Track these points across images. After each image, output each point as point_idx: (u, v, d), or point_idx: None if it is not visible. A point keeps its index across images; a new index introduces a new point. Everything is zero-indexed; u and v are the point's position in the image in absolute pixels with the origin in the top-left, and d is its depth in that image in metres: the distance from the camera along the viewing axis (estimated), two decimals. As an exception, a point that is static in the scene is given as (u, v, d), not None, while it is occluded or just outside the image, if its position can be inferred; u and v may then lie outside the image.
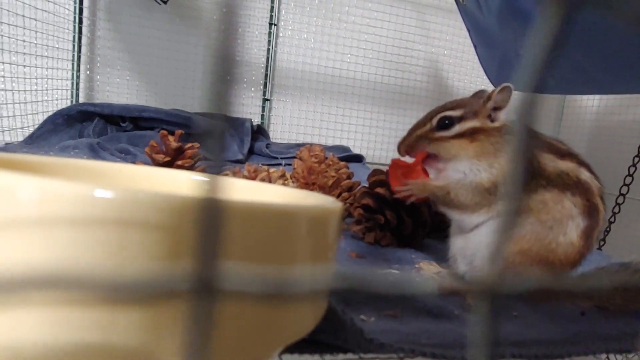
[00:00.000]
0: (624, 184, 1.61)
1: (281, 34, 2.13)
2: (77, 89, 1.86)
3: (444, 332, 0.51)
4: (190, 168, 1.03)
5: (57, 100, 1.79)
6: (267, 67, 2.11)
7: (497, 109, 0.65)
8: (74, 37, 1.82)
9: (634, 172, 1.60)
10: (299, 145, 1.78)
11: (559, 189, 0.61)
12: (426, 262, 0.78)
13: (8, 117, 1.61)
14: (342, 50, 2.22)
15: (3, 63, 1.62)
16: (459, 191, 0.63)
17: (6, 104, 1.61)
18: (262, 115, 2.14)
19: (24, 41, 1.67)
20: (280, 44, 2.14)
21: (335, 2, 2.18)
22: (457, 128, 0.65)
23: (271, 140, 2.02)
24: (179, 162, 0.99)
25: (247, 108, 2.12)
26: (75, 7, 1.81)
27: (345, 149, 2.05)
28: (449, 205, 0.66)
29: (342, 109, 2.27)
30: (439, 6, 2.30)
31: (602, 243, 1.72)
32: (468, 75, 2.40)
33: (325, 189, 0.99)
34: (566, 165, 0.63)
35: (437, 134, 0.66)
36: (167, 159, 0.99)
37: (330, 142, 2.22)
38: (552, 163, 0.63)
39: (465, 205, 0.64)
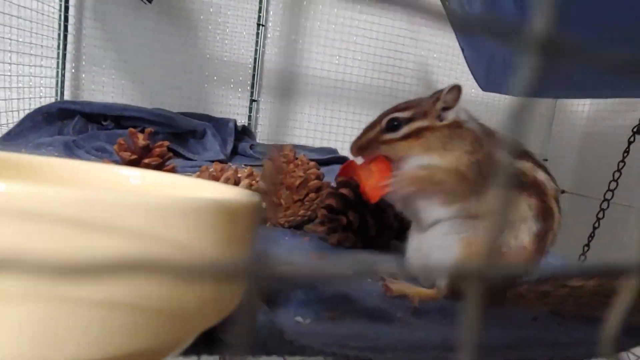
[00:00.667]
0: (609, 189, 1.59)
1: (269, 35, 2.13)
2: (62, 87, 1.86)
3: (379, 335, 0.50)
4: (159, 166, 1.02)
5: (41, 98, 1.79)
6: (254, 67, 2.11)
7: (446, 109, 0.64)
8: (59, 35, 1.82)
9: (619, 177, 1.59)
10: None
11: (515, 190, 0.60)
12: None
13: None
14: (331, 52, 2.22)
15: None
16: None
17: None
18: (249, 116, 2.14)
19: (10, 39, 1.68)
20: (268, 45, 2.14)
21: (324, 4, 2.17)
22: (405, 129, 0.63)
23: (258, 141, 2.01)
24: (146, 160, 0.99)
25: (234, 109, 2.12)
26: (61, 6, 1.82)
27: (332, 150, 2.04)
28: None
29: (331, 111, 2.27)
30: (429, 9, 2.29)
31: (586, 249, 1.70)
32: (458, 79, 2.38)
33: (292, 189, 0.98)
34: (523, 165, 0.61)
35: (385, 136, 0.64)
36: (134, 157, 0.98)
37: (318, 144, 2.21)
38: (507, 161, 0.61)
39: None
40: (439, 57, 2.37)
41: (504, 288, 0.59)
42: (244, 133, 1.93)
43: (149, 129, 1.05)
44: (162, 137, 1.64)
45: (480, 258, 0.51)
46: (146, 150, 1.01)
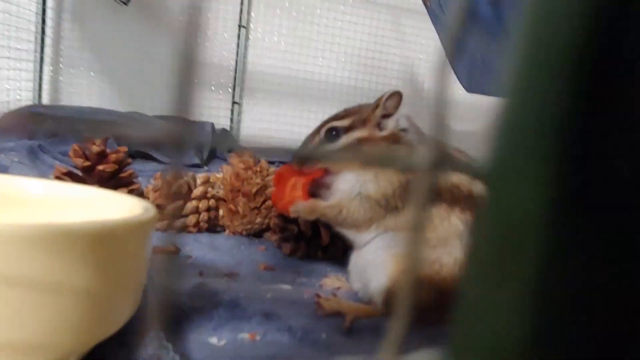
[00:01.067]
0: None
1: (251, 36, 2.10)
2: (40, 90, 1.85)
3: (299, 356, 0.47)
4: (115, 173, 1.00)
5: (20, 101, 1.78)
6: (236, 69, 2.08)
7: (386, 116, 0.61)
8: (36, 37, 1.81)
9: None
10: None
11: (448, 204, 0.57)
12: (334, 277, 0.74)
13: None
14: (314, 53, 2.19)
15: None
16: (351, 207, 0.60)
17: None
18: (231, 119, 2.11)
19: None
20: (250, 47, 2.11)
21: (306, 4, 2.15)
22: (344, 139, 0.61)
23: (239, 144, 1.99)
24: (100, 167, 0.96)
25: (216, 111, 2.09)
26: (38, 7, 1.80)
27: (314, 153, 2.01)
28: (343, 224, 0.62)
29: (315, 113, 2.23)
30: (414, 9, 2.26)
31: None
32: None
33: (249, 196, 0.95)
34: (459, 178, 0.58)
35: (325, 146, 0.62)
36: (87, 163, 0.96)
37: (301, 146, 2.18)
38: (444, 175, 0.59)
39: (358, 221, 0.60)
40: (425, 57, 2.34)
41: (439, 306, 0.56)
42: (223, 136, 1.90)
43: (106, 136, 1.02)
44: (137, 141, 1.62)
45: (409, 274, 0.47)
46: (101, 157, 0.98)
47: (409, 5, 2.24)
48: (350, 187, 0.60)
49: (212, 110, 2.08)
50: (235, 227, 0.97)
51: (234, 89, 2.09)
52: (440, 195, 0.57)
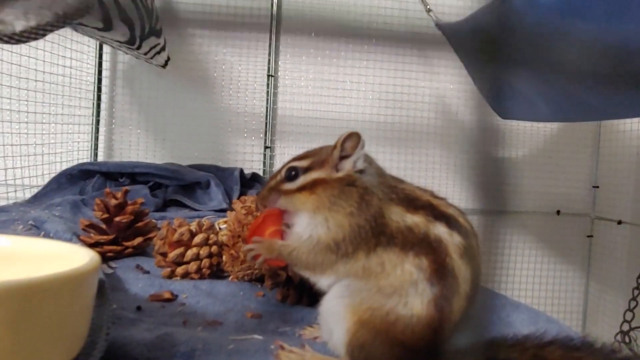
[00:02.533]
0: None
1: (279, 84, 2.21)
2: (97, 148, 2.08)
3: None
4: (131, 223, 1.08)
5: (79, 160, 2.01)
6: (266, 116, 2.18)
7: (344, 157, 0.60)
8: (93, 103, 2.06)
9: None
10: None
11: (400, 249, 0.53)
12: (317, 326, 0.71)
13: (36, 176, 1.83)
14: (342, 94, 2.24)
15: (33, 126, 1.86)
16: (301, 249, 0.58)
17: (35, 165, 1.83)
18: (264, 162, 2.20)
19: (55, 113, 1.93)
20: (279, 93, 2.22)
21: (330, 48, 2.22)
22: (301, 180, 0.61)
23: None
24: (117, 219, 1.04)
25: (250, 156, 2.19)
26: (95, 78, 2.06)
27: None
28: (296, 266, 0.61)
29: (346, 151, 2.25)
30: (440, 40, 2.24)
31: None
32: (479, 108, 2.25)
33: (247, 242, 0.97)
34: (413, 220, 0.55)
35: (284, 185, 0.62)
36: (106, 215, 1.04)
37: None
38: (398, 217, 0.55)
39: (309, 264, 0.58)
40: (456, 87, 2.28)
41: (397, 361, 0.51)
42: (254, 180, 1.97)
43: (125, 188, 1.12)
44: (171, 190, 1.74)
45: (366, 328, 0.45)
46: (119, 209, 1.07)
47: (434, 38, 2.23)
48: (302, 229, 0.59)
49: (246, 155, 2.19)
50: (237, 273, 0.98)
51: (265, 135, 2.19)
52: (393, 239, 0.54)
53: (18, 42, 0.82)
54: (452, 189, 2.27)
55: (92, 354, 0.48)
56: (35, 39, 0.82)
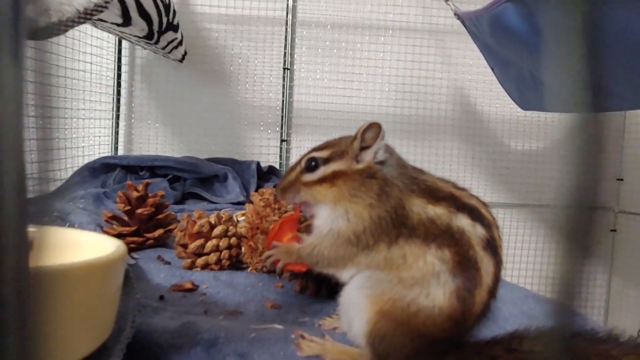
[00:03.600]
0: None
1: (295, 77, 2.21)
2: (117, 143, 2.12)
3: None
4: (153, 215, 1.10)
5: (101, 153, 2.06)
6: (282, 109, 2.19)
7: (364, 148, 0.60)
8: (113, 98, 2.10)
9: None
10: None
11: (422, 240, 0.53)
12: (335, 317, 0.72)
13: (60, 170, 1.88)
14: (358, 86, 2.22)
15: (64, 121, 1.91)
16: (322, 245, 0.58)
17: (59, 159, 1.88)
18: (280, 156, 2.20)
19: (77, 109, 1.97)
20: (295, 86, 2.21)
21: (347, 40, 2.21)
22: (322, 171, 0.61)
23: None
24: (139, 211, 1.07)
25: (266, 149, 2.20)
26: (114, 73, 2.10)
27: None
28: (318, 264, 0.61)
29: (362, 144, 2.24)
30: (457, 31, 2.20)
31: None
32: (499, 99, 2.21)
33: (267, 234, 0.97)
34: (435, 211, 0.54)
35: (304, 177, 0.62)
36: (128, 207, 1.07)
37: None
38: (419, 209, 0.55)
39: (331, 260, 0.58)
40: (474, 78, 2.23)
41: (418, 353, 0.51)
42: (270, 173, 1.98)
43: (146, 181, 1.14)
44: (190, 183, 1.77)
45: (387, 319, 0.46)
46: (140, 201, 1.09)
47: (452, 28, 2.19)
48: (323, 222, 0.59)
49: (263, 148, 2.20)
50: (256, 265, 0.99)
51: (281, 128, 2.19)
52: (414, 231, 0.53)
53: (41, 38, 0.84)
54: (470, 182, 2.24)
55: (120, 340, 0.49)
56: (57, 34, 0.83)
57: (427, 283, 0.51)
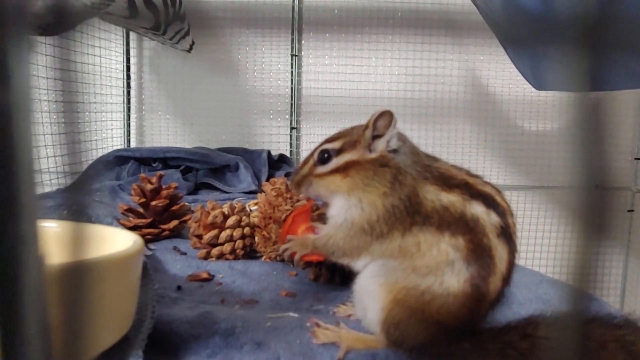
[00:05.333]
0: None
1: (303, 63, 2.19)
2: (129, 135, 2.15)
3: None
4: (167, 207, 1.11)
5: (114, 146, 2.08)
6: (291, 96, 2.18)
7: (377, 136, 0.60)
8: (123, 91, 2.12)
9: None
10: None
11: (436, 228, 0.53)
12: (350, 304, 0.73)
13: (75, 163, 1.91)
14: (367, 71, 2.19)
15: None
16: (337, 236, 0.59)
17: (74, 152, 1.92)
18: (290, 144, 2.20)
19: (89, 102, 1.99)
20: (304, 73, 2.19)
21: (355, 24, 2.17)
22: (334, 162, 0.61)
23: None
24: (153, 203, 1.08)
25: (276, 137, 2.20)
26: (123, 65, 2.11)
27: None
28: (333, 255, 0.61)
29: (372, 130, 2.22)
30: (470, 11, 2.14)
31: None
32: (512, 80, 2.16)
33: (279, 223, 0.98)
34: (449, 199, 0.54)
35: (317, 169, 0.62)
36: (143, 200, 1.08)
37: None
38: (433, 196, 0.54)
39: (346, 250, 0.59)
40: (486, 59, 2.18)
41: (433, 340, 0.52)
42: (281, 161, 1.99)
43: (159, 173, 1.15)
44: (202, 173, 1.78)
45: (402, 307, 0.47)
46: (155, 193, 1.11)
47: (462, 8, 2.13)
48: (337, 213, 0.60)
49: (273, 137, 2.20)
50: (270, 254, 1.01)
51: (291, 115, 2.19)
52: (428, 219, 0.53)
53: (53, 33, 0.85)
54: (483, 164, 2.21)
55: (141, 330, 0.51)
56: (68, 29, 0.84)
57: (441, 271, 0.51)
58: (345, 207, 0.58)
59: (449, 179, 0.56)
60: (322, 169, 0.62)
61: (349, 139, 0.62)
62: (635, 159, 2.22)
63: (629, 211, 2.25)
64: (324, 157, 0.62)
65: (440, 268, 0.51)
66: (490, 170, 2.20)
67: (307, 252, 0.63)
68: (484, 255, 0.51)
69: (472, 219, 0.52)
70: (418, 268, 0.52)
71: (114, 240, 0.53)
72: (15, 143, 0.17)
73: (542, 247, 2.25)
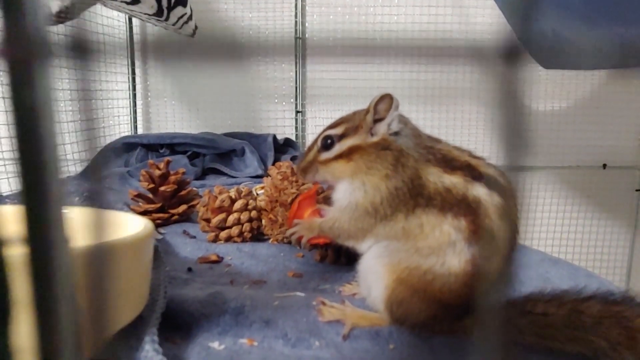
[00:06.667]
0: None
1: (308, 46, 2.17)
2: (136, 122, 2.16)
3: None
4: (176, 192, 1.14)
5: (121, 133, 2.11)
6: (296, 80, 2.17)
7: (378, 120, 0.60)
8: (128, 77, 2.12)
9: None
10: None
11: (439, 210, 0.54)
12: (355, 283, 0.75)
13: (85, 151, 1.94)
14: (372, 52, 2.17)
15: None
16: (342, 219, 0.60)
17: (83, 140, 1.94)
18: (296, 127, 2.21)
19: (94, 90, 2.00)
20: (308, 55, 2.18)
21: (359, 4, 2.14)
22: (337, 148, 0.62)
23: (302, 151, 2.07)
24: (162, 188, 1.11)
25: (281, 122, 2.21)
26: (127, 52, 2.11)
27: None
28: (339, 237, 0.63)
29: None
30: (476, -12, 2.10)
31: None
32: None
33: (285, 206, 1.00)
34: (451, 181, 0.55)
35: (321, 155, 0.64)
36: (152, 185, 1.11)
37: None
38: (436, 178, 0.55)
39: (351, 233, 0.60)
40: (494, 38, 2.14)
41: (434, 317, 0.54)
42: (287, 145, 2.00)
43: (167, 159, 1.17)
44: (209, 159, 1.80)
45: (405, 286, 0.49)
46: (163, 179, 1.13)
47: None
48: (341, 196, 0.61)
49: (278, 121, 2.20)
50: (276, 236, 1.03)
51: (296, 99, 2.18)
52: (431, 200, 0.54)
53: (57, 23, 0.86)
54: (490, 146, 2.20)
55: (155, 310, 0.53)
56: (71, 18, 0.85)
57: (443, 252, 0.53)
58: (349, 190, 0.60)
59: (451, 161, 0.57)
60: (326, 155, 0.63)
61: (351, 124, 0.62)
62: (646, 139, 2.19)
63: (636, 190, 2.24)
64: (327, 143, 0.63)
65: (442, 249, 0.53)
66: (497, 152, 2.18)
67: (313, 236, 0.65)
68: (485, 237, 0.52)
69: (474, 201, 0.53)
70: (421, 249, 0.54)
71: (126, 225, 0.55)
72: (41, 137, 0.18)
73: (548, 226, 2.26)
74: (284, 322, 0.58)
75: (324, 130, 0.65)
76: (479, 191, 0.54)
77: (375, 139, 0.60)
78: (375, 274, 0.57)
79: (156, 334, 0.49)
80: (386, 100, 0.60)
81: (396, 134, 0.60)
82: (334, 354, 0.53)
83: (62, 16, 0.92)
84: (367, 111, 0.61)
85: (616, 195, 2.25)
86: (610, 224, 2.29)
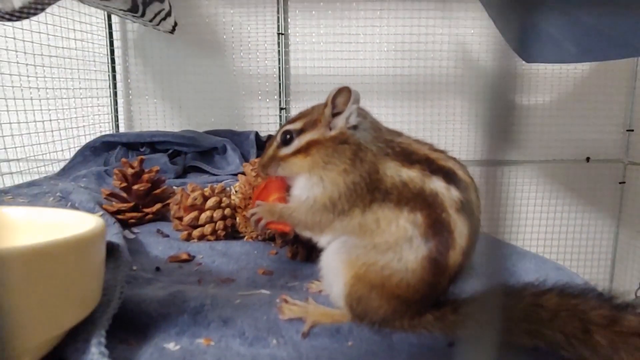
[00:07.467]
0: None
1: (290, 41, 2.15)
2: (117, 120, 2.13)
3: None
4: (148, 190, 1.12)
5: (102, 132, 2.07)
6: (279, 76, 2.15)
7: (336, 114, 0.59)
8: (109, 75, 2.09)
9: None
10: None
11: (395, 205, 0.53)
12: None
13: (62, 150, 1.91)
14: (355, 48, 2.16)
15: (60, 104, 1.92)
16: (300, 210, 0.59)
17: (61, 139, 1.91)
18: (280, 124, 2.19)
19: (74, 88, 1.97)
20: (291, 52, 2.16)
21: (342, 0, 2.12)
22: (296, 143, 0.61)
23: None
24: (135, 187, 1.09)
25: (265, 119, 2.19)
26: (107, 48, 2.08)
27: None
28: (297, 226, 0.62)
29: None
30: (458, -18, 2.09)
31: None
32: (502, 53, 2.12)
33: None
34: (409, 175, 0.54)
35: (281, 151, 0.62)
36: (124, 184, 1.09)
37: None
38: (393, 172, 0.54)
39: (309, 225, 0.59)
40: (477, 32, 2.14)
41: (392, 312, 0.53)
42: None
43: (140, 157, 1.15)
44: (190, 157, 1.78)
45: (363, 282, 0.48)
46: (136, 177, 1.11)
47: (451, -21, 2.08)
48: (300, 191, 0.60)
49: (262, 118, 2.18)
50: (251, 234, 1.02)
51: (279, 96, 2.17)
52: (388, 195, 0.53)
53: (19, 18, 0.83)
54: (474, 141, 2.20)
55: (107, 310, 0.52)
56: (35, 14, 0.82)
57: (400, 247, 0.52)
58: (308, 185, 0.59)
59: (410, 155, 0.56)
60: (285, 151, 0.62)
61: (309, 118, 0.61)
62: (628, 130, 2.21)
63: (620, 183, 2.25)
64: (286, 138, 0.62)
65: (399, 244, 0.52)
66: (482, 146, 2.19)
67: (273, 220, 0.64)
68: (442, 230, 0.52)
69: (430, 194, 0.53)
70: (378, 245, 0.53)
71: (79, 225, 0.53)
72: None
73: (533, 220, 2.27)
74: (243, 320, 0.57)
75: (284, 125, 0.64)
76: (436, 184, 0.53)
77: (333, 133, 0.59)
78: (335, 270, 0.56)
79: (104, 336, 0.48)
80: (344, 93, 0.59)
81: (355, 127, 0.59)
82: (291, 353, 0.52)
83: (26, 12, 0.89)
84: (325, 105, 0.60)
85: (600, 188, 2.27)
86: (594, 217, 2.30)
